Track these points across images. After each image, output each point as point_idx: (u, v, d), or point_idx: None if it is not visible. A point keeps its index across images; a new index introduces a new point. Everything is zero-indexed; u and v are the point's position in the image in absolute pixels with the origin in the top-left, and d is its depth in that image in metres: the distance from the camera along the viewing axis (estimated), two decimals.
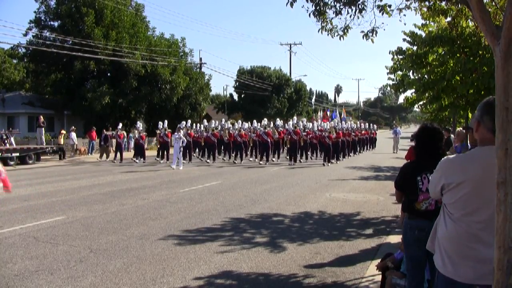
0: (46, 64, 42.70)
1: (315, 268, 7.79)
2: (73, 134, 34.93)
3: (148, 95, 42.36)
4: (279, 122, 32.88)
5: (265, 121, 32.44)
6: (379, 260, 6.99)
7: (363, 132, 42.19)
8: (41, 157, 29.98)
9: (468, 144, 11.70)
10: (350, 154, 35.64)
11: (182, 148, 25.67)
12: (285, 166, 26.77)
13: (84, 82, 41.47)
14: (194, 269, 7.61)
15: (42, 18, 43.09)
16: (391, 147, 42.22)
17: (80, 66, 39.30)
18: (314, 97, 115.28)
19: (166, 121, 30.88)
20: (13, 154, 27.30)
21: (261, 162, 28.43)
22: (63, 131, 35.33)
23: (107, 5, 41.46)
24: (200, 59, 55.95)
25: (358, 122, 45.28)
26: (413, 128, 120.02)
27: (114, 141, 31.98)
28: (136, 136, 30.06)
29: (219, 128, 31.29)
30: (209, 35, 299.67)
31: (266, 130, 29.07)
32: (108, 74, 42.62)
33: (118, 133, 30.27)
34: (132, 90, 41.54)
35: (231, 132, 30.77)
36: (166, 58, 44.12)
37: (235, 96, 71.97)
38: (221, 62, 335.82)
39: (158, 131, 30.69)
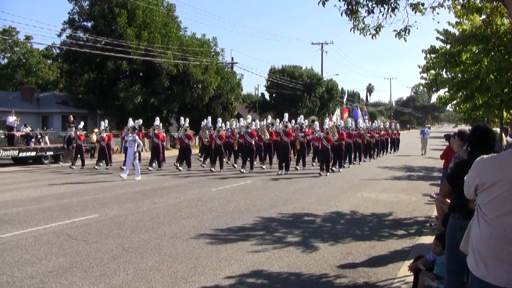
0: (80, 64, 43.18)
1: (346, 268, 7.74)
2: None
3: (180, 94, 42.56)
4: (270, 119, 28.67)
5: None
6: (411, 261, 6.92)
7: (382, 132, 36.45)
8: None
9: (503, 145, 11.52)
10: (365, 158, 30.81)
11: (137, 154, 21.10)
12: (268, 176, 21.30)
13: (116, 81, 41.82)
14: (225, 268, 7.62)
15: (76, 19, 43.61)
16: (419, 149, 38.87)
17: (113, 66, 39.66)
18: (346, 96, 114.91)
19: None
20: (48, 153, 27.77)
21: (242, 170, 22.95)
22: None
23: (139, 5, 41.78)
24: (232, 58, 56.29)
25: (376, 121, 40.14)
26: (446, 128, 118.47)
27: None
28: (97, 137, 26.62)
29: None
30: (240, 35, 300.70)
31: (249, 130, 24.13)
32: (141, 73, 42.94)
33: (78, 133, 26.23)
34: (164, 89, 41.79)
35: (211, 132, 25.66)
36: (197, 57, 44.28)
37: (267, 96, 72.26)
38: (253, 62, 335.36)
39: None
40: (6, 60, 57.79)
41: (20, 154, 26.67)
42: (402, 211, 13.05)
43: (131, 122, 25.29)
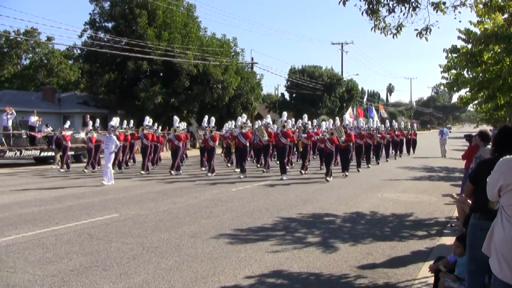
0: (100, 65, 43.45)
1: (366, 269, 7.70)
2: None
3: (200, 94, 42.65)
4: (269, 120, 25.77)
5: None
6: (432, 262, 6.87)
7: (396, 132, 34.59)
8: None
9: None
10: (375, 160, 28.50)
11: (112, 156, 19.35)
12: (265, 182, 18.90)
13: (137, 82, 41.96)
14: (245, 268, 7.62)
15: (97, 19, 43.88)
16: (438, 151, 36.63)
17: (133, 66, 39.83)
18: (366, 96, 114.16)
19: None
20: (68, 153, 27.94)
21: (241, 176, 20.79)
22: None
23: (160, 6, 41.94)
24: (252, 58, 56.29)
25: (387, 121, 37.12)
26: (467, 128, 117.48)
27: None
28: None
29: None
30: (260, 35, 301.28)
31: (244, 131, 22.32)
32: (161, 74, 43.07)
33: (64, 133, 24.87)
34: (184, 89, 41.89)
35: (205, 133, 23.17)
36: (217, 57, 44.36)
37: (287, 96, 72.38)
38: (273, 62, 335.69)
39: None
40: (28, 61, 58.43)
41: (42, 154, 26.95)
42: (423, 211, 12.95)
43: (114, 121, 24.08)
